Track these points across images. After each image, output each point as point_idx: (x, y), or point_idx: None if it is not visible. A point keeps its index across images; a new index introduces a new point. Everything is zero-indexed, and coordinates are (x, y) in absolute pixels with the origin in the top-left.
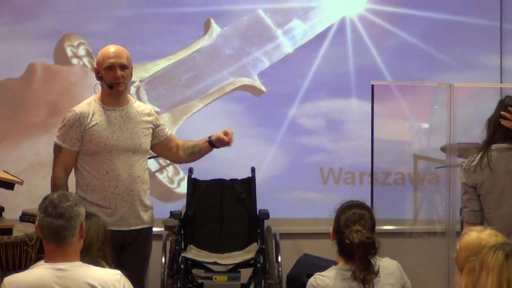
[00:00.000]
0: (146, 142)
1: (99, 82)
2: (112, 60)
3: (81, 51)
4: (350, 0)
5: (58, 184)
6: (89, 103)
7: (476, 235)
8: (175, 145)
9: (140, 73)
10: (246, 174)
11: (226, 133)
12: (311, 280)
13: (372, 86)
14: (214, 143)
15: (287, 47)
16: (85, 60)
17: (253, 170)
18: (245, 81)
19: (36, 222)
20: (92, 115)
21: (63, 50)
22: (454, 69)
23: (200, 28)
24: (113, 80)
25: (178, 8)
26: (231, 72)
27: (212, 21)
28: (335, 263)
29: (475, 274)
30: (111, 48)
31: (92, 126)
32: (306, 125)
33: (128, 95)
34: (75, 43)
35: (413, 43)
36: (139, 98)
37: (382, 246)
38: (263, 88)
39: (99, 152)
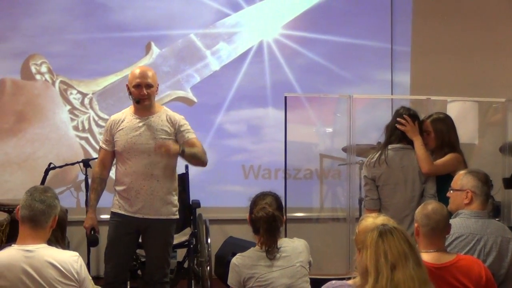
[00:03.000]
0: None
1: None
2: (138, 80)
3: (43, 69)
4: (267, 26)
5: (93, 176)
6: (124, 112)
7: (372, 220)
8: None
9: (93, 87)
10: (181, 170)
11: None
12: (234, 260)
13: (285, 97)
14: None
15: (215, 65)
16: (47, 76)
17: (186, 167)
18: (180, 93)
19: (19, 205)
20: (122, 121)
21: (28, 68)
22: (353, 83)
23: (142, 50)
24: (139, 97)
25: (124, 33)
26: (168, 86)
27: (152, 43)
28: (255, 244)
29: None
30: (139, 69)
31: (119, 131)
32: (231, 129)
33: (160, 106)
34: (38, 62)
35: (319, 62)
36: (92, 108)
37: (294, 229)
38: (195, 99)
39: (121, 152)
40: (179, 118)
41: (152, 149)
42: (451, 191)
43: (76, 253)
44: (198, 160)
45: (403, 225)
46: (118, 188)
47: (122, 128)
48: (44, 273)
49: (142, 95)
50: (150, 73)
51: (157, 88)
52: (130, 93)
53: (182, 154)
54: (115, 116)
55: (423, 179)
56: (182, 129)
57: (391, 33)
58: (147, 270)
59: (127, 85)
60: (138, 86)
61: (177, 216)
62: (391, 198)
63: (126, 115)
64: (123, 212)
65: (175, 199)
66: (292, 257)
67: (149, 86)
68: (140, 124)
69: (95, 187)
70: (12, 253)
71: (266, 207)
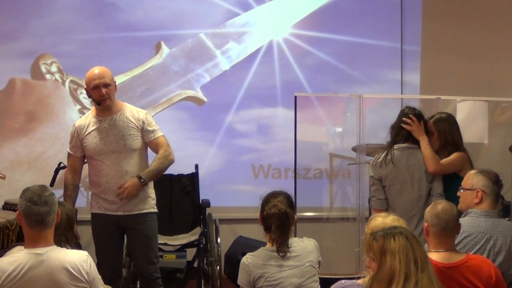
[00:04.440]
0: (132, 143)
1: (90, 99)
2: (96, 82)
3: (53, 68)
4: (277, 25)
5: (65, 183)
6: (87, 116)
7: (381, 220)
8: (155, 151)
9: None
10: (190, 170)
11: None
12: (243, 259)
13: (295, 97)
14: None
15: (225, 65)
16: (57, 76)
17: (196, 166)
18: (190, 93)
19: (18, 211)
20: (87, 126)
21: (38, 68)
22: (363, 83)
23: (152, 49)
24: (99, 98)
25: (134, 32)
26: (178, 86)
27: (162, 43)
28: (264, 244)
29: (376, 261)
30: (95, 70)
31: (86, 136)
32: (240, 129)
33: (122, 103)
34: (48, 62)
35: (329, 61)
36: None
37: (304, 229)
38: (204, 98)
39: (92, 156)
40: (142, 114)
41: (121, 148)
42: (462, 191)
43: (86, 253)
44: (163, 170)
45: (411, 225)
46: (95, 190)
47: (89, 132)
48: (55, 276)
49: (102, 96)
50: (106, 74)
51: (115, 86)
52: (90, 96)
53: (144, 183)
54: (80, 122)
55: (430, 178)
56: (145, 127)
57: (401, 32)
58: (137, 268)
59: (85, 89)
60: (96, 87)
61: (156, 210)
62: (398, 198)
63: (89, 118)
64: (103, 212)
65: (152, 192)
66: (301, 257)
67: (106, 85)
68: (106, 124)
69: (69, 194)
70: (23, 258)
71: (278, 204)
